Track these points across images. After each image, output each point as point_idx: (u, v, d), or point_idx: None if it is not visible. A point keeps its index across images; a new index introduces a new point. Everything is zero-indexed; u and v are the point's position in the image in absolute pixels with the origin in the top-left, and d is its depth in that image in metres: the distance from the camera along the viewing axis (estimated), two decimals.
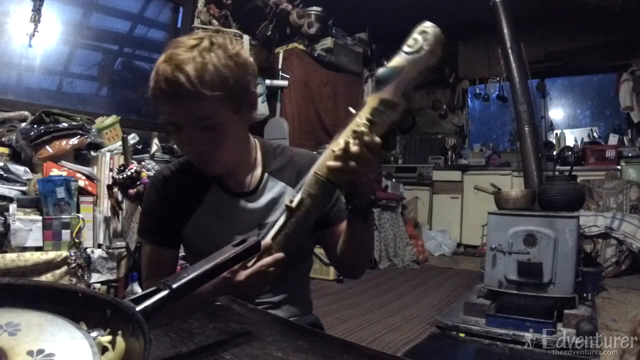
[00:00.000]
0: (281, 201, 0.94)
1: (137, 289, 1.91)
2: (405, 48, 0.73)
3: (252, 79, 0.87)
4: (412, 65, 0.72)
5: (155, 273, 0.95)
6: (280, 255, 0.78)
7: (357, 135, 0.72)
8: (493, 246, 2.37)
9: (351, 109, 0.79)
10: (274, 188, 0.96)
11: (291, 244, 0.80)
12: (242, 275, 0.77)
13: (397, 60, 0.73)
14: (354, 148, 0.73)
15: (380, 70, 0.75)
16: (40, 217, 1.90)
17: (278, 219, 0.81)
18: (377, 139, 0.73)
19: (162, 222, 0.94)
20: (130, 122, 3.03)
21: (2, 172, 2.02)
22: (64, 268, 1.89)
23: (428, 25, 0.73)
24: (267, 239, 0.79)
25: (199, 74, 0.76)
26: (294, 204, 0.78)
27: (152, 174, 2.19)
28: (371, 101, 0.75)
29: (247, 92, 0.85)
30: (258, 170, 0.97)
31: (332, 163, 0.75)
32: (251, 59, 0.88)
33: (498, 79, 5.38)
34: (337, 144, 0.75)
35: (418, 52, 0.72)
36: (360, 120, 0.74)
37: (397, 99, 0.73)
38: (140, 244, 2.06)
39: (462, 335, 2.29)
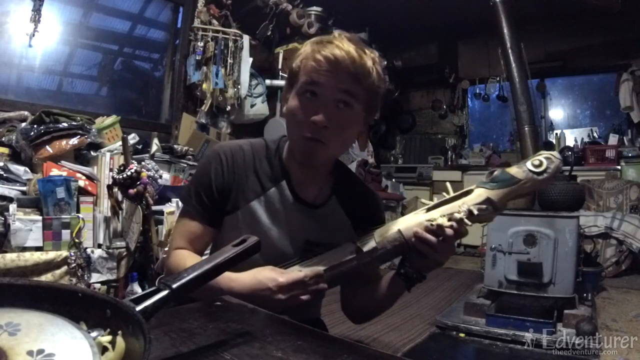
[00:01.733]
0: (337, 227, 0.93)
1: (137, 289, 1.91)
2: (530, 166, 0.78)
3: (383, 92, 0.91)
4: (529, 182, 0.77)
5: (188, 246, 0.90)
6: (324, 287, 0.80)
7: (456, 220, 0.76)
8: (493, 246, 2.37)
9: (449, 188, 0.85)
10: (335, 214, 0.95)
11: (339, 282, 0.83)
12: (285, 295, 0.77)
13: (519, 172, 0.79)
14: (448, 230, 0.76)
15: (500, 172, 0.80)
16: (40, 217, 1.90)
17: (340, 253, 0.82)
18: (467, 232, 0.78)
19: (213, 196, 0.89)
20: (130, 122, 3.03)
21: (2, 172, 2.02)
22: (64, 268, 1.89)
23: (556, 156, 0.79)
24: (320, 268, 0.80)
25: (377, 67, 0.85)
26: (365, 249, 0.80)
27: (152, 174, 2.19)
28: (479, 195, 0.79)
29: (380, 100, 0.91)
30: (327, 188, 0.95)
31: (422, 233, 0.78)
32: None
33: (498, 79, 5.38)
34: (433, 218, 0.78)
35: (540, 174, 0.77)
36: (463, 207, 0.78)
37: (502, 205, 0.78)
38: (142, 243, 2.06)
39: (462, 335, 2.29)
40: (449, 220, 0.77)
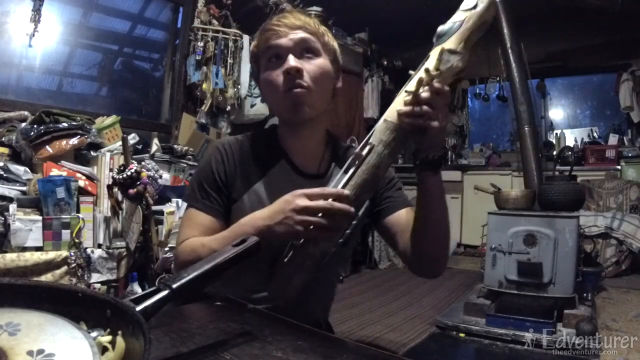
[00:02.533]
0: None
1: (137, 289, 1.91)
2: (463, 6, 0.78)
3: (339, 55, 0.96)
4: (470, 18, 0.76)
5: (194, 232, 0.89)
6: (351, 208, 0.72)
7: (426, 81, 0.74)
8: (493, 246, 2.38)
9: (410, 72, 0.81)
10: (336, 180, 0.95)
11: (359, 197, 0.77)
12: (309, 203, 0.72)
13: (456, 16, 0.79)
14: (424, 94, 0.74)
15: (440, 27, 0.80)
16: (40, 217, 1.90)
17: (341, 175, 0.78)
18: (446, 87, 0.75)
19: (217, 188, 0.90)
20: (130, 122, 3.03)
21: (2, 172, 2.02)
22: (64, 268, 1.89)
23: None
24: (341, 188, 0.75)
25: (319, 25, 0.92)
26: (364, 152, 0.78)
27: (152, 174, 2.19)
28: (434, 53, 0.77)
29: (339, 62, 0.95)
30: (326, 157, 0.98)
31: (403, 108, 0.76)
32: None
33: (498, 79, 5.38)
34: (408, 91, 0.76)
35: (475, 7, 0.76)
36: (430, 67, 0.75)
37: (459, 48, 0.76)
38: (142, 243, 2.06)
39: (462, 335, 2.29)
40: (419, 85, 0.75)
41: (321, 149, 0.97)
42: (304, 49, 0.88)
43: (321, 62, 0.89)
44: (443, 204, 0.88)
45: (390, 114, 0.79)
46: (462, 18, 0.77)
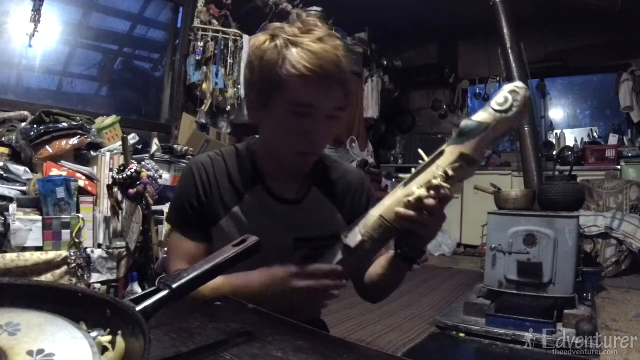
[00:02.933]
0: (324, 218, 0.93)
1: (137, 289, 1.91)
2: (494, 105, 0.71)
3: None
4: (499, 124, 0.70)
5: (183, 263, 0.89)
6: (343, 283, 0.79)
7: (434, 187, 0.71)
8: (493, 246, 2.38)
9: (423, 155, 0.77)
10: (319, 204, 0.93)
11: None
12: (302, 283, 0.76)
13: (485, 116, 0.71)
14: (429, 201, 0.71)
15: (466, 123, 0.72)
16: (40, 217, 1.90)
17: (334, 252, 0.80)
18: (452, 195, 0.73)
19: (196, 212, 0.88)
20: (130, 122, 3.03)
21: (2, 172, 2.02)
22: (64, 268, 1.89)
23: (520, 86, 0.71)
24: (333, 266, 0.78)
25: (346, 61, 0.79)
26: (353, 245, 0.77)
27: (152, 174, 2.19)
28: (451, 153, 0.72)
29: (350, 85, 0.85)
30: (307, 181, 0.93)
31: (403, 211, 0.73)
32: None
33: (498, 79, 5.38)
34: (411, 193, 0.73)
35: (507, 112, 0.70)
36: (438, 172, 0.71)
37: (478, 157, 0.71)
38: (142, 243, 2.06)
39: (462, 335, 2.29)
40: (427, 190, 0.72)
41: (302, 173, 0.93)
42: (334, 109, 0.81)
43: (339, 121, 0.84)
44: (401, 279, 0.94)
45: (388, 212, 0.75)
46: (490, 121, 0.70)
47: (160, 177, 2.33)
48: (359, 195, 0.99)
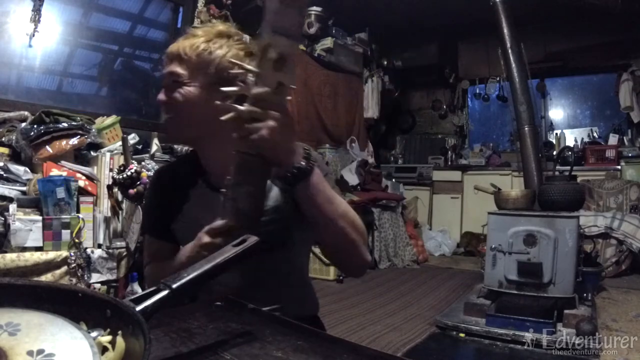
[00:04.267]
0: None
1: (137, 289, 1.91)
2: None
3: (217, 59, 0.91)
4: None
5: (154, 261, 1.00)
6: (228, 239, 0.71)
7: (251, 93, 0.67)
8: (493, 246, 2.37)
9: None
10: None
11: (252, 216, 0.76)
12: (205, 239, 0.78)
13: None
14: (246, 108, 0.68)
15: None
16: (40, 217, 1.90)
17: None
18: (262, 89, 0.67)
19: (158, 216, 1.00)
20: (130, 122, 3.03)
21: (2, 172, 2.02)
22: (64, 268, 1.89)
23: None
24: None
25: (190, 50, 0.92)
26: (224, 190, 0.75)
27: (152, 174, 2.19)
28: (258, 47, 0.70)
29: (216, 69, 0.90)
30: None
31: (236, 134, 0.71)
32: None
33: (498, 79, 5.38)
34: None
35: None
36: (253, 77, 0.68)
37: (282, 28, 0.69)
38: (142, 243, 2.06)
39: (462, 335, 2.29)
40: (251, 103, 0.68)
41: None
42: (173, 81, 0.91)
43: (186, 91, 0.89)
44: (324, 213, 0.79)
45: (236, 146, 0.73)
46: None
47: None
48: None
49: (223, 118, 0.71)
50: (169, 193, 0.99)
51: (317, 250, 3.59)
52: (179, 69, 0.91)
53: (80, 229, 1.96)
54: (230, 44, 0.91)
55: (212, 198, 0.91)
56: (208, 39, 0.91)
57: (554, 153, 4.76)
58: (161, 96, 0.93)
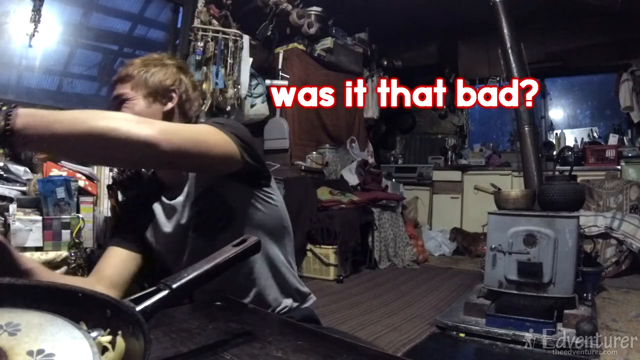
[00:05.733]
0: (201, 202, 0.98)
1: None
2: None
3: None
4: None
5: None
6: None
7: None
8: (493, 246, 2.37)
9: None
10: (192, 190, 0.99)
11: None
12: None
13: None
14: None
15: None
16: (40, 217, 1.90)
17: None
18: None
19: (132, 226, 1.05)
20: None
21: (2, 172, 2.02)
22: (64, 268, 1.89)
23: None
24: None
25: (135, 65, 1.04)
26: None
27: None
28: None
29: (157, 83, 1.02)
30: (185, 184, 1.01)
31: None
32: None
33: (498, 79, 5.37)
34: None
35: None
36: None
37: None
38: None
39: (462, 335, 2.29)
40: None
41: (182, 174, 1.01)
42: (119, 103, 1.01)
43: (132, 106, 0.99)
44: (61, 150, 0.91)
45: None
46: None
47: None
48: None
49: None
50: (136, 205, 1.08)
51: (317, 250, 3.60)
52: (122, 90, 1.01)
53: (80, 229, 1.96)
54: (163, 64, 1.05)
55: (162, 208, 1.02)
56: (144, 62, 1.04)
57: (554, 153, 4.76)
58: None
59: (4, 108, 0.63)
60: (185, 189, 0.98)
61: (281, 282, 1.01)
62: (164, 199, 1.02)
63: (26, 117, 0.62)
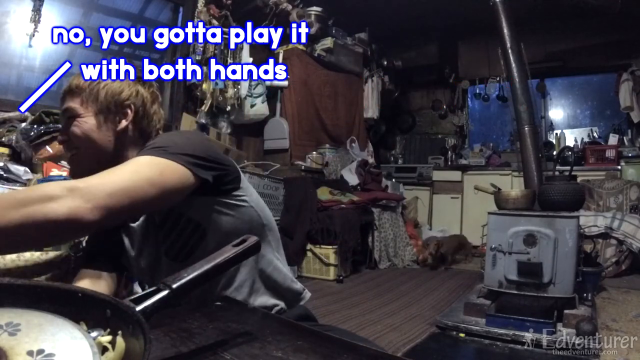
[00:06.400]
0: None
1: (137, 289, 1.90)
2: None
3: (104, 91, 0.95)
4: None
5: None
6: None
7: None
8: (493, 246, 2.37)
9: None
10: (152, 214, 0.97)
11: None
12: None
13: None
14: None
15: None
16: None
17: None
18: None
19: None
20: None
21: (2, 172, 2.02)
22: (64, 268, 1.89)
23: None
24: None
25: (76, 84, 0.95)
26: None
27: None
28: None
29: (107, 97, 0.94)
30: None
31: None
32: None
33: (498, 79, 5.38)
34: None
35: None
36: None
37: None
38: None
39: (462, 335, 2.29)
40: None
41: None
42: (68, 118, 0.93)
43: (81, 121, 0.92)
44: None
45: None
46: None
47: None
48: None
49: None
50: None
51: (317, 250, 3.60)
52: (72, 104, 0.93)
53: None
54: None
55: (130, 233, 0.99)
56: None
57: (554, 153, 4.76)
58: (60, 137, 0.95)
59: None
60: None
61: (269, 284, 0.97)
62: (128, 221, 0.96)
63: None
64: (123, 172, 0.73)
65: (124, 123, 0.93)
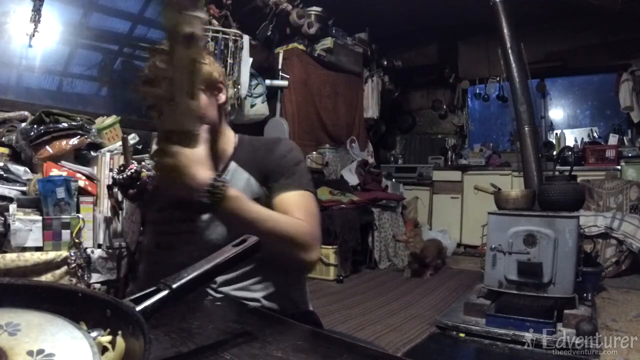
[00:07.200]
0: (240, 186, 0.96)
1: None
2: None
3: None
4: None
5: None
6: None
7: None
8: (493, 246, 2.37)
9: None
10: (241, 178, 0.99)
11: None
12: None
13: None
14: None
15: None
16: (40, 217, 1.90)
17: None
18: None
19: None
20: (130, 122, 3.03)
21: (2, 172, 2.02)
22: (64, 268, 1.89)
23: None
24: None
25: None
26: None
27: (152, 174, 2.19)
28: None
29: None
30: (225, 159, 1.04)
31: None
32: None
33: (498, 79, 5.38)
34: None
35: None
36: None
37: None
38: (140, 244, 2.06)
39: (462, 335, 2.29)
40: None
41: (224, 156, 1.04)
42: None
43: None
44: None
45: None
46: None
47: None
48: (277, 160, 1.01)
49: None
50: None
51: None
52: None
53: (80, 229, 1.96)
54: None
55: None
56: None
57: (554, 153, 4.76)
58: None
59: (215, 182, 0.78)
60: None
61: (295, 291, 1.05)
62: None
63: (236, 193, 0.82)
64: (312, 205, 0.98)
65: (222, 97, 1.04)
